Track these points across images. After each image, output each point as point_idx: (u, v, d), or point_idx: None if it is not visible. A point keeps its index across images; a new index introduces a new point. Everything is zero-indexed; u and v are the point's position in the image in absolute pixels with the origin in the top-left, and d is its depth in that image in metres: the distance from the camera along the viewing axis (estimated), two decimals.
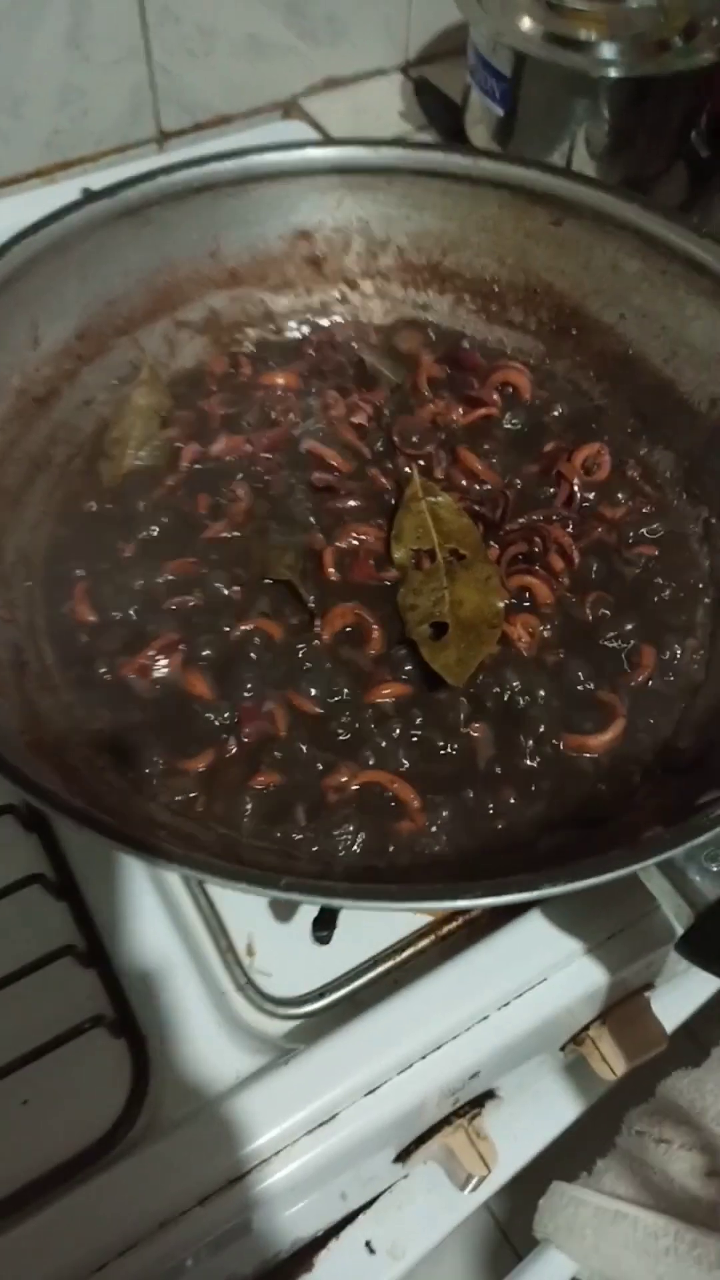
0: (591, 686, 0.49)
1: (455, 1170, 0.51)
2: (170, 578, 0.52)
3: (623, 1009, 0.51)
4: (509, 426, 0.61)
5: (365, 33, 0.89)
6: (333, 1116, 0.42)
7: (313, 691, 0.48)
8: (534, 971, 0.46)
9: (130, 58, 0.77)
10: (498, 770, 0.47)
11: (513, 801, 0.46)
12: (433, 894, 0.33)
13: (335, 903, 0.33)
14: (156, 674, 0.49)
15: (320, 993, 0.45)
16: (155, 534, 0.54)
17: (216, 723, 0.47)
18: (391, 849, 0.44)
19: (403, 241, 0.65)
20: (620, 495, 0.58)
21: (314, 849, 0.43)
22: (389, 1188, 0.54)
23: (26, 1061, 0.42)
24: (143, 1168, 0.40)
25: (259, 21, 0.82)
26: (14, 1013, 0.44)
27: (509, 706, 0.48)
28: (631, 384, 0.62)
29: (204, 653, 0.49)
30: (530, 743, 0.47)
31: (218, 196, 0.60)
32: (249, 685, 0.48)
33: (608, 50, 0.70)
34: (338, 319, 0.66)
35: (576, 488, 0.57)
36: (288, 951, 0.47)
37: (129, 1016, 0.45)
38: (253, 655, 0.49)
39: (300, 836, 0.43)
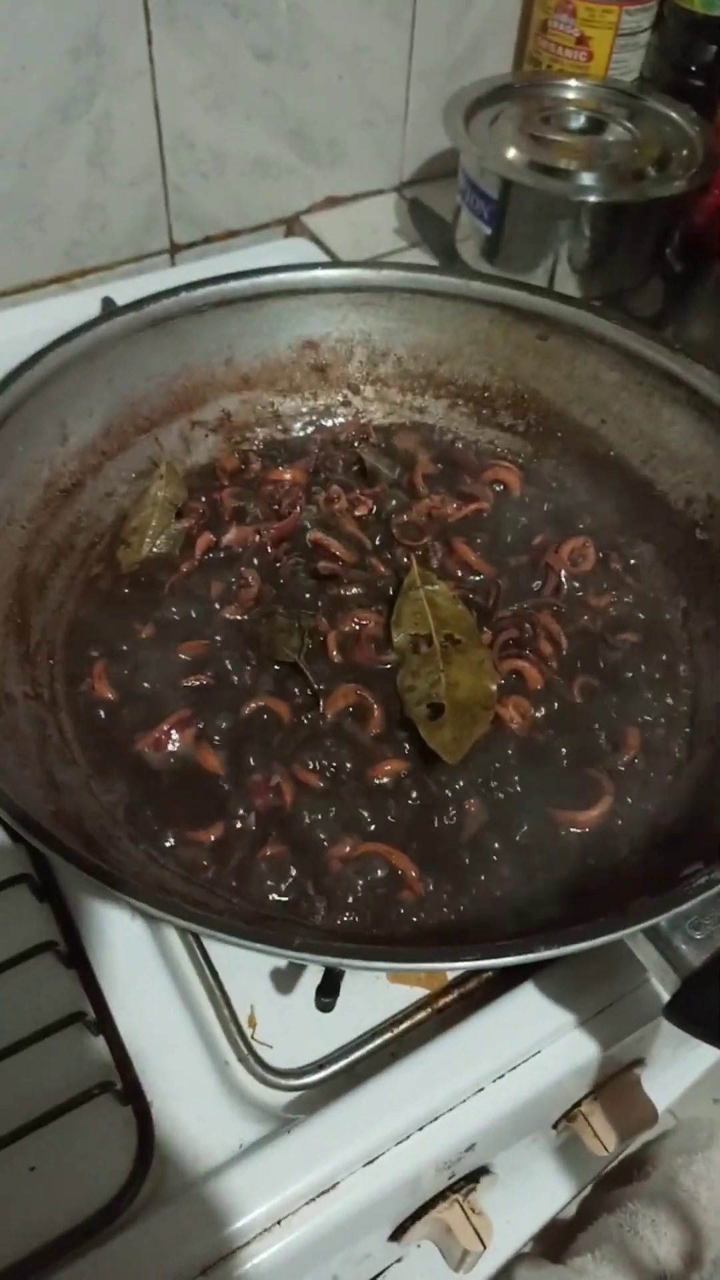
0: (579, 765, 0.52)
1: (451, 1247, 0.51)
2: (184, 657, 0.55)
3: (614, 1085, 0.52)
4: (500, 520, 0.66)
5: (363, 156, 0.97)
6: (333, 1186, 0.43)
7: (317, 766, 0.50)
8: (527, 1044, 0.47)
9: (147, 178, 0.84)
10: (491, 844, 0.49)
11: (504, 874, 0.48)
12: (434, 956, 0.36)
13: (346, 963, 0.35)
14: (170, 748, 0.52)
15: (320, 1064, 0.46)
16: (170, 617, 0.57)
17: (227, 795, 0.50)
18: (391, 918, 0.46)
19: (401, 352, 0.70)
20: (604, 585, 0.62)
21: (318, 918, 0.45)
22: (383, 1271, 0.54)
23: (35, 1127, 0.42)
24: (146, 1238, 0.41)
25: (265, 145, 0.89)
26: (23, 1078, 0.45)
27: (502, 783, 0.51)
28: (613, 482, 0.66)
29: (215, 729, 0.52)
30: (521, 818, 0.50)
31: (233, 310, 0.66)
32: (257, 760, 0.51)
33: (587, 178, 0.78)
34: (340, 420, 0.71)
35: (564, 578, 0.61)
36: (288, 1022, 0.48)
37: (134, 1084, 0.46)
38: (261, 732, 0.52)
39: (306, 905, 0.45)
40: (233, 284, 0.64)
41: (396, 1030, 0.48)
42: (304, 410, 0.71)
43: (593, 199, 0.76)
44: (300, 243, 0.94)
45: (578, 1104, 0.53)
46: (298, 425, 0.71)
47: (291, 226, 0.96)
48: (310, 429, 0.71)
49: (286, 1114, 0.47)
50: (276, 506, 0.64)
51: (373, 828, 0.49)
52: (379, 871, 0.47)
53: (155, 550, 0.61)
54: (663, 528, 0.63)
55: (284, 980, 0.50)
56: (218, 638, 0.56)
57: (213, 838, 0.48)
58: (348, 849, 0.48)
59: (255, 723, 0.53)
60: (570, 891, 0.47)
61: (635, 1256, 0.57)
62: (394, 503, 0.65)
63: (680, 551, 0.62)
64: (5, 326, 0.74)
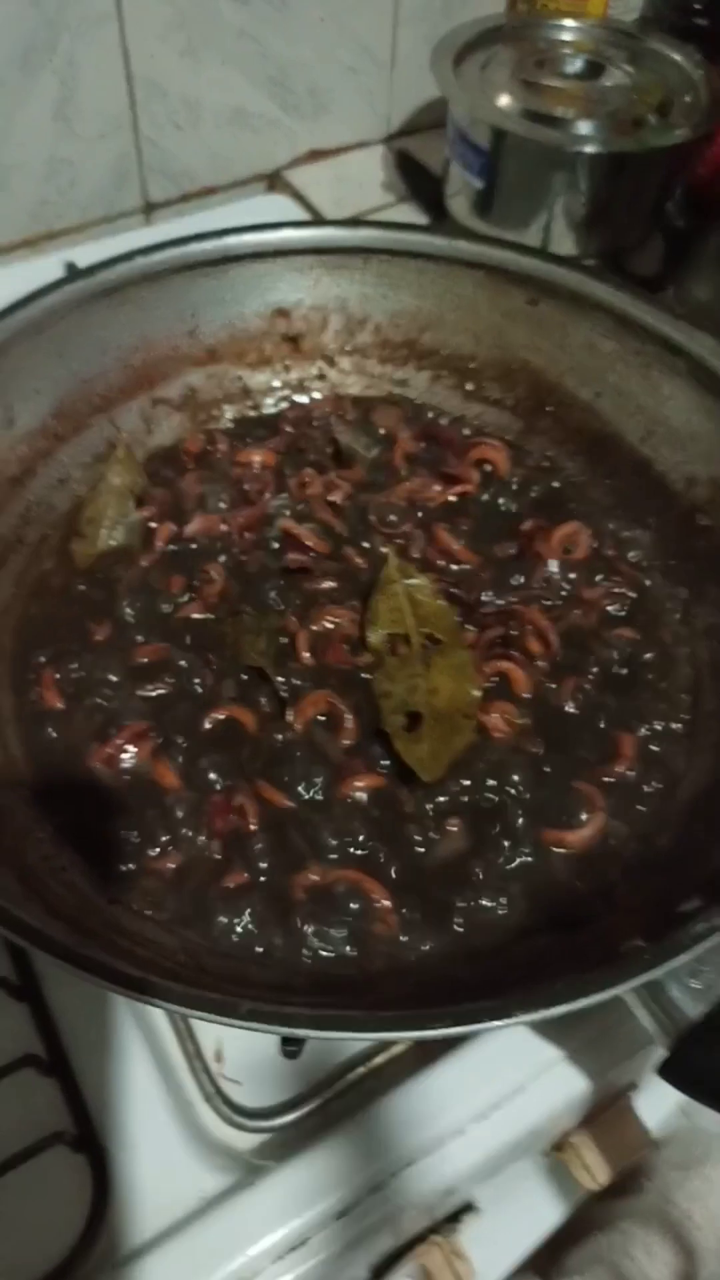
0: (570, 778, 0.48)
1: None
2: (142, 662, 0.51)
3: (605, 1114, 0.49)
4: (486, 504, 0.61)
5: (348, 106, 0.90)
6: (303, 1242, 0.40)
7: (284, 784, 0.46)
8: (511, 1082, 0.44)
9: (117, 130, 0.78)
10: (474, 868, 0.45)
11: (487, 902, 0.44)
12: (398, 1024, 0.32)
13: (297, 1033, 0.31)
14: (124, 764, 0.48)
15: (291, 1103, 0.43)
16: (127, 617, 0.53)
17: (184, 816, 0.46)
18: (363, 953, 0.42)
19: (380, 319, 0.65)
20: (598, 576, 0.57)
21: (281, 955, 0.42)
22: None
23: None
24: None
25: (243, 94, 0.83)
26: None
27: (484, 800, 0.47)
28: (608, 462, 0.62)
29: (175, 741, 0.48)
30: (506, 838, 0.46)
31: (195, 276, 0.60)
32: (220, 776, 0.47)
33: (584, 126, 0.72)
34: (315, 395, 0.66)
35: (554, 568, 0.57)
36: (257, 1057, 0.45)
37: (90, 1130, 0.43)
38: (224, 745, 0.48)
39: (267, 941, 0.42)
40: (195, 246, 0.59)
41: (373, 1063, 0.45)
42: (276, 385, 0.66)
43: (590, 149, 0.70)
44: (281, 200, 0.88)
45: (567, 1134, 0.50)
46: (269, 401, 0.66)
47: (273, 182, 0.90)
48: (283, 405, 0.66)
49: (254, 1159, 0.44)
50: (245, 492, 0.60)
51: (343, 852, 0.45)
52: (350, 903, 0.43)
53: (112, 543, 0.56)
54: (662, 512, 0.58)
55: None
56: (179, 639, 0.52)
57: (171, 866, 0.44)
58: (315, 876, 0.44)
59: (218, 734, 0.48)
60: (558, 920, 0.44)
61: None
62: (371, 486, 0.61)
63: (681, 538, 0.57)
64: None
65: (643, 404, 0.60)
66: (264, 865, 0.44)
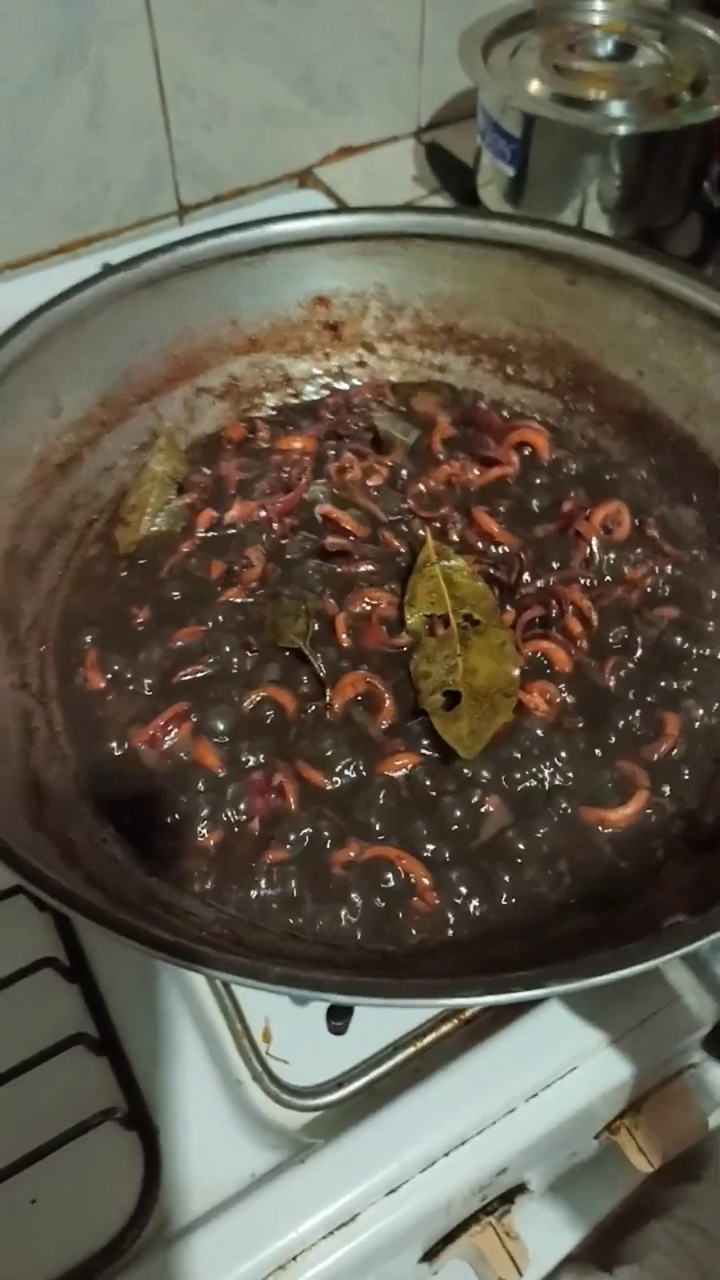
0: (612, 757, 0.48)
1: (485, 1274, 0.48)
2: (181, 644, 0.51)
3: (660, 1095, 0.48)
4: (526, 486, 0.60)
5: (376, 100, 0.90)
6: (353, 1218, 0.40)
7: (323, 763, 0.46)
8: (562, 1060, 0.43)
9: (148, 133, 0.79)
10: (514, 846, 0.45)
11: (529, 879, 0.44)
12: (431, 990, 0.32)
13: (324, 997, 0.31)
14: (166, 744, 0.48)
15: (339, 1082, 0.43)
16: (168, 601, 0.54)
17: (225, 795, 0.46)
18: (401, 930, 0.42)
19: (419, 304, 0.65)
20: (640, 554, 0.56)
21: (320, 930, 0.42)
22: None
23: (35, 1159, 0.40)
24: (152, 1278, 0.38)
25: (271, 91, 0.83)
26: (23, 1105, 0.42)
27: (525, 779, 0.47)
28: (651, 441, 0.61)
29: (215, 723, 0.48)
30: (547, 817, 0.46)
31: (236, 266, 0.61)
32: (259, 756, 0.47)
33: (616, 108, 0.71)
34: (356, 382, 0.66)
35: (595, 548, 0.56)
36: (306, 1036, 0.45)
37: (141, 1109, 0.43)
38: (264, 726, 0.49)
39: (305, 917, 0.42)
40: (233, 236, 0.60)
41: (421, 1044, 0.45)
42: (317, 372, 0.66)
43: (623, 130, 0.69)
44: (313, 195, 0.88)
45: (620, 1115, 0.49)
46: (310, 389, 0.66)
47: (304, 180, 0.91)
48: (323, 392, 0.66)
49: (303, 1137, 0.44)
50: (285, 478, 0.60)
51: (383, 830, 0.45)
52: (389, 879, 0.43)
53: (154, 529, 0.57)
54: (706, 489, 0.57)
55: None
56: (219, 622, 0.52)
57: (212, 844, 0.45)
58: (353, 853, 0.44)
59: (258, 716, 0.49)
60: (601, 899, 0.43)
61: (683, 1271, 0.54)
62: (410, 470, 0.60)
63: None
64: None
65: (685, 380, 0.59)
66: (304, 842, 0.44)
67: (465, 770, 0.46)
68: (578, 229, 0.61)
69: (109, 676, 0.51)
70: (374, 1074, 0.43)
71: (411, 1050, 0.44)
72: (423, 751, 0.47)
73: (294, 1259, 0.39)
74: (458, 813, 0.46)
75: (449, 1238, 0.47)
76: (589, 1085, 0.44)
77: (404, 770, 0.46)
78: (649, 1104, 0.48)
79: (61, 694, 0.50)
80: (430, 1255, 0.47)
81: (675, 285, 0.57)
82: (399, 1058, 0.44)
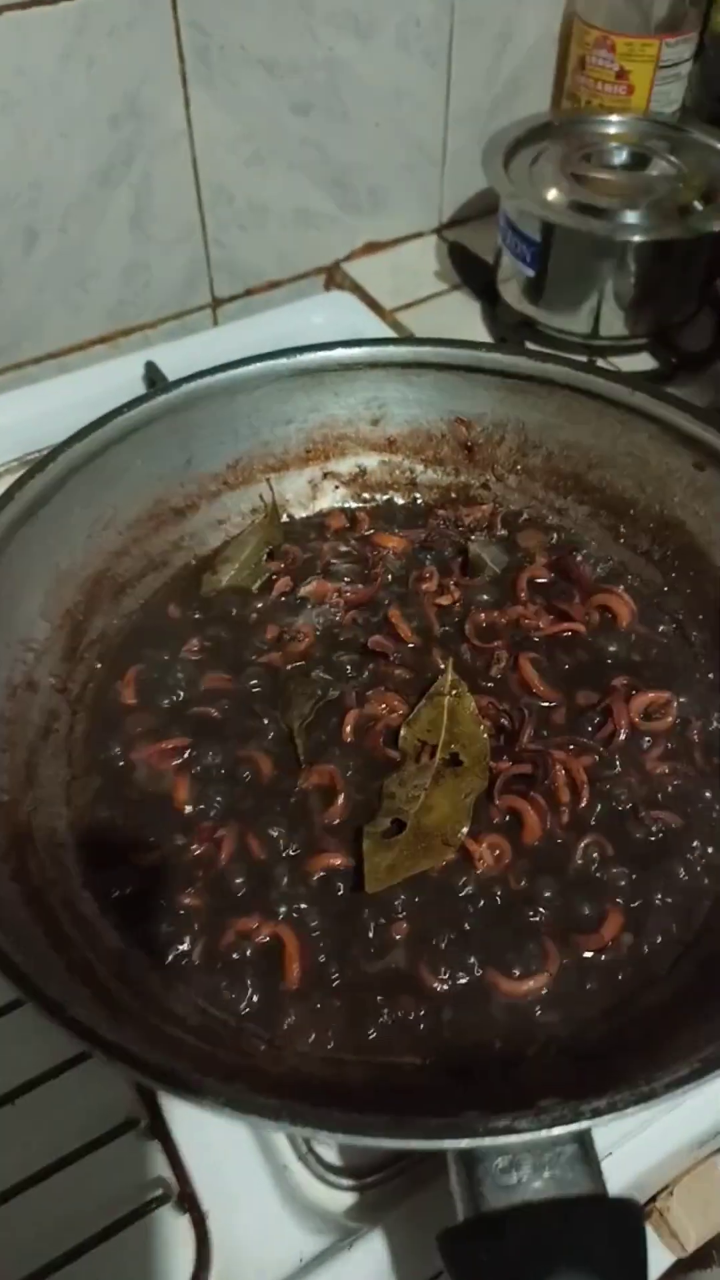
0: (537, 928, 0.47)
1: None
2: (204, 688, 0.57)
3: (694, 1174, 0.47)
4: (594, 649, 0.60)
5: (403, 200, 0.95)
6: None
7: (263, 834, 0.50)
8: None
9: (188, 236, 0.84)
10: (403, 979, 0.46)
11: (407, 1016, 0.45)
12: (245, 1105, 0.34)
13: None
14: (159, 767, 0.54)
15: (383, 1161, 0.43)
16: (216, 643, 0.60)
17: (178, 831, 0.51)
18: (272, 1017, 0.45)
19: (554, 447, 0.67)
20: (670, 749, 0.55)
21: (197, 999, 0.45)
22: None
23: (90, 1246, 0.41)
24: None
25: (306, 196, 0.88)
26: (76, 1191, 0.43)
27: (442, 921, 0.48)
28: None
29: (201, 764, 0.54)
30: (447, 965, 0.46)
31: (389, 375, 0.66)
32: (219, 808, 0.52)
33: (630, 216, 0.76)
34: (477, 505, 0.69)
35: (624, 729, 0.56)
36: None
37: (190, 1192, 0.43)
38: (238, 782, 0.53)
39: (187, 977, 0.45)
40: (390, 349, 0.65)
41: None
42: (443, 483, 0.70)
43: (637, 238, 0.75)
44: (344, 296, 0.92)
45: (653, 1198, 0.47)
46: (433, 495, 0.70)
47: (332, 274, 0.96)
48: (441, 505, 0.70)
49: (349, 1221, 0.43)
50: (369, 570, 0.64)
51: (286, 917, 0.48)
52: (266, 964, 0.46)
53: (236, 582, 0.63)
54: None
55: None
56: (248, 680, 0.58)
57: (144, 863, 0.50)
58: (255, 925, 0.47)
59: (236, 770, 0.53)
60: (451, 1066, 0.43)
61: None
62: (484, 598, 0.63)
63: None
64: (49, 395, 0.78)
65: None
66: (217, 899, 0.48)
67: (386, 891, 0.48)
68: (717, 417, 0.60)
69: (140, 694, 0.57)
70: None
71: None
72: (353, 858, 0.49)
73: None
74: (366, 928, 0.48)
75: None
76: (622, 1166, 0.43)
77: (328, 870, 0.49)
78: (680, 1187, 0.46)
79: (97, 701, 0.57)
80: None
81: None
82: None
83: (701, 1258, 0.51)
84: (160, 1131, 0.45)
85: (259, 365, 0.64)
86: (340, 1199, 0.43)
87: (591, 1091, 0.34)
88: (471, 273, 0.92)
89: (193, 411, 0.62)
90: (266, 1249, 0.42)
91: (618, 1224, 0.33)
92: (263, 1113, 0.33)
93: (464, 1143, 0.33)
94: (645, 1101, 0.32)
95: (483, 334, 0.88)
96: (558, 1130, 0.32)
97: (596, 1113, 0.32)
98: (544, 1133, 0.32)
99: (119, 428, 0.60)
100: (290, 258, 0.93)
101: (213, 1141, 0.45)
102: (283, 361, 0.64)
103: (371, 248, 0.97)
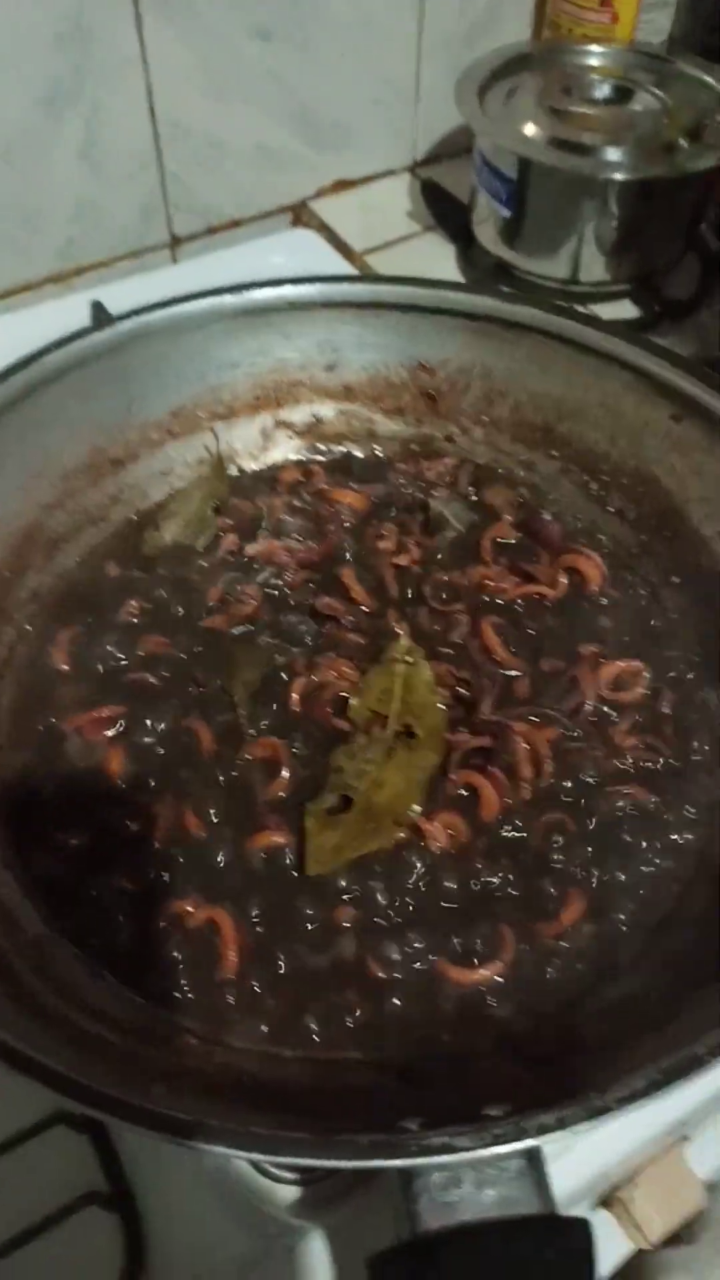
0: (495, 913, 0.44)
1: None
2: (142, 653, 0.53)
3: (655, 1167, 0.45)
4: (561, 613, 0.57)
5: (373, 136, 0.89)
6: None
7: (201, 811, 0.46)
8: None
9: (142, 170, 0.78)
10: (349, 966, 0.43)
11: (350, 1007, 0.42)
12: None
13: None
14: (91, 738, 0.50)
15: None
16: (155, 604, 0.55)
17: (110, 805, 0.47)
18: (194, 1006, 0.41)
19: (522, 397, 0.63)
20: (639, 722, 0.52)
21: (125, 990, 0.42)
22: None
23: (12, 1249, 0.39)
24: None
25: (267, 131, 0.82)
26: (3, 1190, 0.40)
27: (389, 902, 0.44)
28: (711, 610, 0.55)
29: (137, 735, 0.50)
30: (396, 952, 0.43)
31: (343, 315, 0.61)
32: (156, 781, 0.48)
33: (613, 153, 0.71)
34: (439, 455, 0.65)
35: (590, 700, 0.52)
36: None
37: (123, 1188, 0.41)
38: (177, 753, 0.49)
39: (114, 967, 0.42)
40: (345, 287, 0.61)
41: None
42: (404, 434, 0.66)
43: (619, 176, 0.70)
44: (308, 235, 0.86)
45: (615, 1189, 0.45)
46: (394, 448, 0.66)
47: (299, 213, 0.90)
48: (402, 459, 0.65)
49: (290, 1217, 0.40)
50: (323, 529, 0.60)
51: (224, 899, 0.44)
52: (205, 946, 0.42)
53: (180, 540, 0.59)
54: None
55: None
56: (190, 645, 0.54)
57: (74, 842, 0.46)
58: (191, 909, 0.44)
59: (175, 741, 0.50)
60: (397, 1066, 0.40)
61: None
62: (444, 556, 0.59)
63: None
64: None
65: None
66: (149, 880, 0.45)
67: (328, 878, 0.45)
68: (697, 366, 0.56)
69: (73, 660, 0.53)
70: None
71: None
72: (295, 836, 0.46)
73: None
74: (310, 910, 0.44)
75: None
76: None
77: (269, 849, 0.46)
78: (645, 1177, 0.44)
79: (27, 664, 0.53)
80: None
81: None
82: None
83: (670, 1238, 0.50)
84: (92, 1124, 0.42)
85: (201, 302, 0.59)
86: (282, 1193, 0.40)
87: (541, 1100, 0.31)
88: (446, 213, 0.87)
89: (133, 351, 0.58)
90: (203, 1247, 0.40)
91: (565, 1249, 0.30)
92: (176, 1131, 0.30)
93: (396, 1163, 0.30)
94: (597, 1117, 0.29)
95: (456, 278, 0.83)
96: (500, 1149, 0.29)
97: (543, 1129, 0.29)
98: (484, 1151, 0.29)
99: (52, 366, 0.55)
100: (253, 195, 0.87)
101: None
102: (228, 299, 0.59)
103: (341, 185, 0.91)
